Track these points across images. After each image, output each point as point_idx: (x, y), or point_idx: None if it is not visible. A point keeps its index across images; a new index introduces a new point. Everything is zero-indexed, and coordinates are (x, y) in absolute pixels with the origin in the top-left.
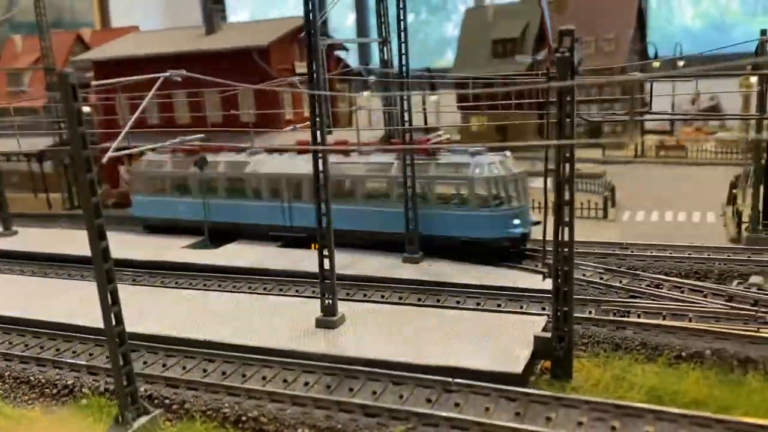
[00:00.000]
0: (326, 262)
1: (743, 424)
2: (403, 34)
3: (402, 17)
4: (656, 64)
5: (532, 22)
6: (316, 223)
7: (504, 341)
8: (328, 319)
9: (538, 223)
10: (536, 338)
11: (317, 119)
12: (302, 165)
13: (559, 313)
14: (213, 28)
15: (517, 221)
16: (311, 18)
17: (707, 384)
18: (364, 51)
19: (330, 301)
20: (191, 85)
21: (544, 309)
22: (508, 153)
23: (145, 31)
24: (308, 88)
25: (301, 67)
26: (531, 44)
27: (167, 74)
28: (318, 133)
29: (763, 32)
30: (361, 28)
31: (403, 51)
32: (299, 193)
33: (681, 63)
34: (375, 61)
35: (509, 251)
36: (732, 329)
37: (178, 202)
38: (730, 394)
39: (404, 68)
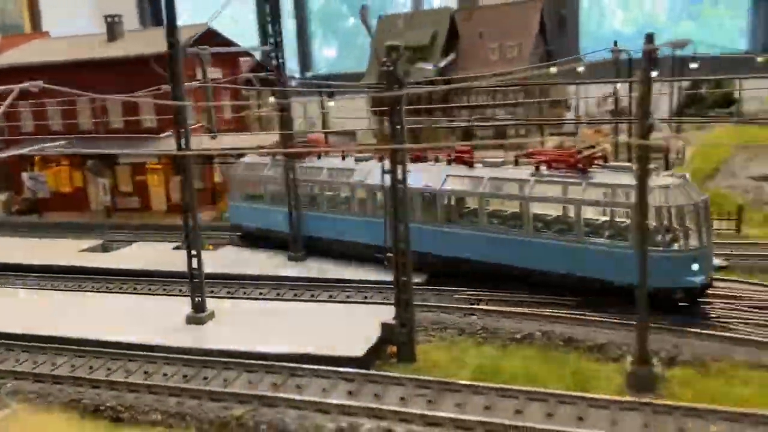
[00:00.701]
0: (194, 262)
1: (541, 393)
2: (278, 41)
3: (276, 25)
4: (553, 69)
5: (440, 30)
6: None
7: (356, 329)
8: (197, 316)
9: (724, 267)
10: (383, 325)
11: (180, 126)
12: (409, 178)
13: (400, 302)
14: (114, 36)
15: (695, 266)
16: (172, 28)
17: (531, 361)
18: (305, 56)
19: (199, 299)
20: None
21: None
22: (687, 175)
23: (53, 38)
24: (171, 96)
25: (210, 74)
26: (439, 51)
27: (24, 85)
28: (183, 141)
29: (615, 43)
30: (302, 33)
31: (281, 58)
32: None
33: (581, 68)
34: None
35: (680, 304)
36: (561, 313)
37: (274, 212)
38: (547, 369)
39: (282, 72)
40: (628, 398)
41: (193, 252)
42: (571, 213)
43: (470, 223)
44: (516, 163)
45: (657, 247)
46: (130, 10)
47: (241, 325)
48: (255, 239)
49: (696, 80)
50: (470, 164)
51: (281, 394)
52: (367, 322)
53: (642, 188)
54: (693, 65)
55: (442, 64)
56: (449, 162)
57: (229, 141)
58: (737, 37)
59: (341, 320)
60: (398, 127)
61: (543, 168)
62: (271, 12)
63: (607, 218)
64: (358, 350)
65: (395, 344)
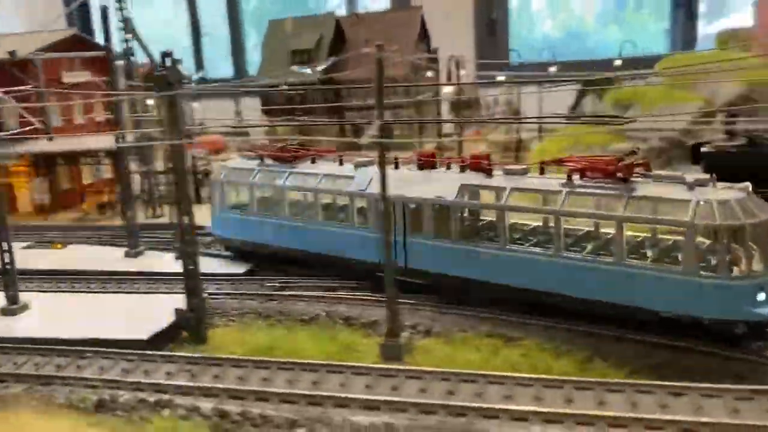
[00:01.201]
0: (6, 257)
1: (309, 364)
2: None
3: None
4: (429, 73)
5: (326, 35)
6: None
7: (154, 316)
8: (10, 308)
9: None
10: (176, 311)
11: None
12: (421, 187)
13: (189, 289)
14: None
15: (762, 296)
16: None
17: (310, 339)
18: (238, 59)
19: (12, 293)
20: None
21: (219, 289)
22: (749, 185)
23: None
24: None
25: (69, 77)
26: (325, 55)
27: None
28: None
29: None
30: (236, 35)
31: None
32: (419, 225)
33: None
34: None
35: (741, 338)
36: (346, 296)
37: (264, 223)
38: (320, 344)
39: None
40: (378, 365)
41: (5, 247)
42: (603, 229)
43: (488, 240)
44: (541, 171)
45: (713, 272)
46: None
47: (50, 316)
48: (244, 254)
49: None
50: (488, 172)
51: (61, 374)
52: (170, 309)
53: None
54: (552, 69)
55: (320, 68)
56: (463, 169)
57: (70, 142)
58: (661, 39)
59: (146, 308)
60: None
61: (576, 177)
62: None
63: (648, 235)
64: (144, 334)
65: (185, 328)
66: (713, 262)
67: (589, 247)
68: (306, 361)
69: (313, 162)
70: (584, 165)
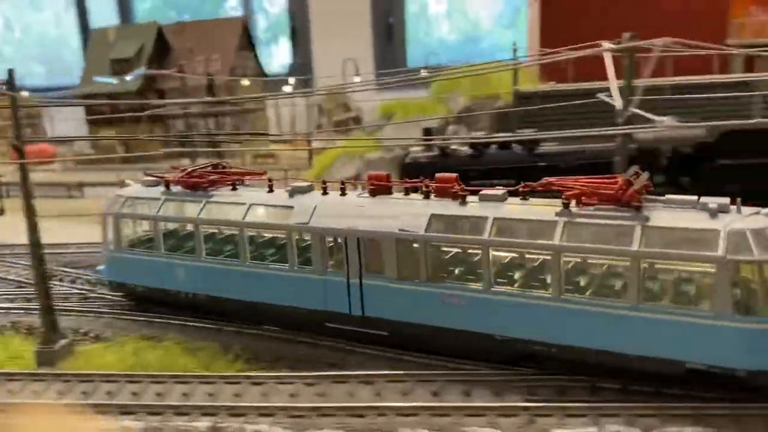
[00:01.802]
0: None
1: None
2: None
3: None
4: (245, 82)
5: (147, 44)
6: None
7: None
8: None
9: None
10: None
11: None
12: (375, 220)
13: None
14: None
15: None
16: None
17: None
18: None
19: None
20: None
21: None
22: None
23: None
24: None
25: None
26: (144, 63)
27: None
28: None
29: None
30: None
31: None
32: (380, 265)
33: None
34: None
35: None
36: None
37: (175, 266)
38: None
39: None
40: (30, 371)
41: None
42: (611, 264)
43: (464, 281)
44: (523, 197)
45: (750, 314)
46: None
47: None
48: (147, 301)
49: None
50: (461, 198)
51: None
52: None
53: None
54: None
55: (129, 77)
56: (426, 195)
57: None
58: None
59: None
60: None
61: (573, 204)
62: None
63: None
64: None
65: None
66: (743, 305)
67: (593, 287)
68: None
69: (234, 189)
70: (584, 189)
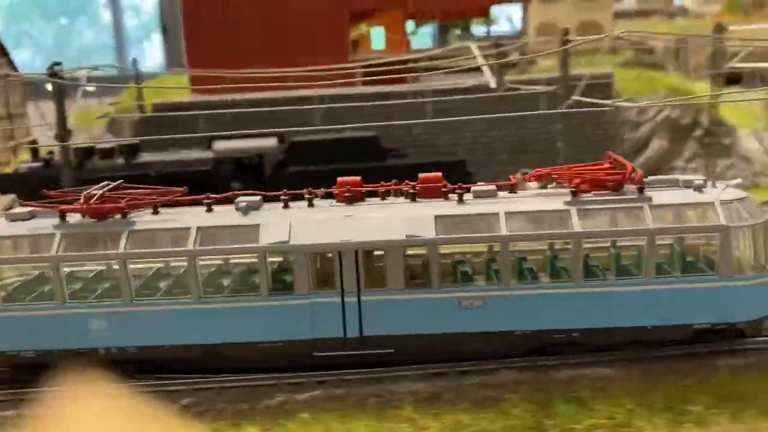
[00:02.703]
0: None
1: None
2: None
3: None
4: None
5: None
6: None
7: None
8: None
9: None
10: None
11: None
12: (373, 229)
13: None
14: None
15: None
16: None
17: None
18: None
19: None
20: None
21: None
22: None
23: None
24: None
25: None
26: None
27: None
28: None
29: None
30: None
31: None
32: (382, 277)
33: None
34: None
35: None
36: None
37: (87, 317)
38: None
39: None
40: None
41: None
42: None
43: (478, 282)
44: (512, 190)
45: (749, 274)
46: None
47: None
48: (32, 370)
49: None
50: (459, 196)
51: None
52: None
53: None
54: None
55: None
56: (413, 197)
57: None
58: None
59: None
60: None
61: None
62: None
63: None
64: None
65: None
66: (748, 265)
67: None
68: None
69: (155, 212)
70: (589, 177)
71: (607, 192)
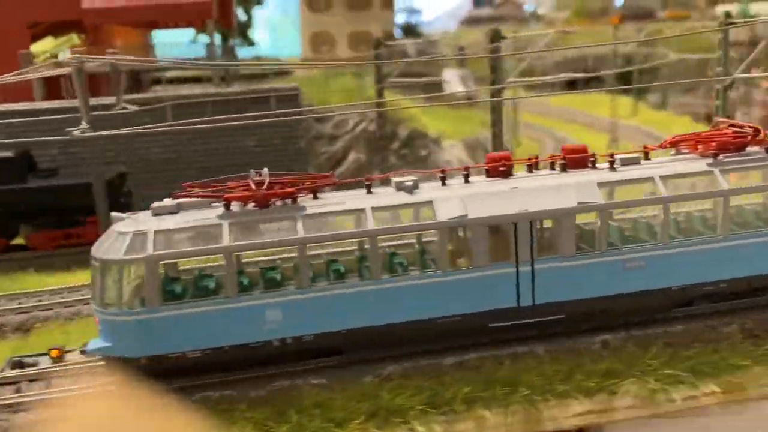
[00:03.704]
0: None
1: None
2: None
3: None
4: None
5: None
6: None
7: None
8: None
9: None
10: None
11: None
12: (543, 198)
13: None
14: None
15: None
16: None
17: None
18: None
19: None
20: None
21: None
22: None
23: None
24: None
25: None
26: None
27: None
28: None
29: None
30: None
31: None
32: (554, 245)
33: None
34: None
35: None
36: None
37: (263, 308)
38: None
39: None
40: None
41: None
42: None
43: (641, 243)
44: (645, 157)
45: None
46: None
47: None
48: (193, 372)
49: None
50: (611, 164)
51: None
52: None
53: None
54: None
55: None
56: (563, 168)
57: None
58: None
59: None
60: None
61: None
62: None
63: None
64: None
65: None
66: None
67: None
68: None
69: (315, 197)
70: (721, 140)
71: (735, 153)
